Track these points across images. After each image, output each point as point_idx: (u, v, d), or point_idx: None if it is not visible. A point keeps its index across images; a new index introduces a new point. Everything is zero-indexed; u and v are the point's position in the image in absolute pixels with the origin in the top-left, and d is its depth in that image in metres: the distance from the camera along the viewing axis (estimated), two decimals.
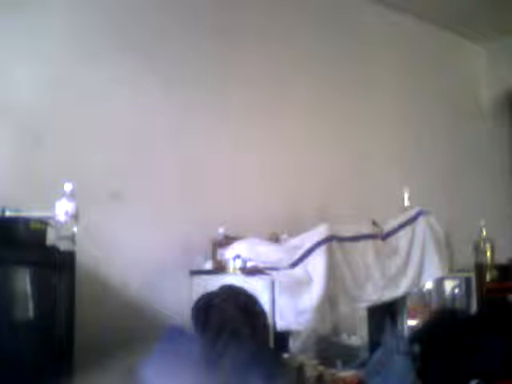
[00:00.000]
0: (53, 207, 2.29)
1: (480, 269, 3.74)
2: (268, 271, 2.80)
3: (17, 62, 2.79)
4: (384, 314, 3.08)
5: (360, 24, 4.35)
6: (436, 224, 3.33)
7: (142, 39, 3.23)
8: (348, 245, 3.02)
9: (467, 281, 3.44)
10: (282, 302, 2.70)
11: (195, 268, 3.07)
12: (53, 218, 2.28)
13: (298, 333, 2.73)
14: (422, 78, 4.67)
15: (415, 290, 3.22)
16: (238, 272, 2.81)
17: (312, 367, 2.49)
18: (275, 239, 3.26)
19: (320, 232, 2.98)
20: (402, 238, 3.26)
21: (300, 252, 2.94)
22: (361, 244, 3.08)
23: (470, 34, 5.04)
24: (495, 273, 3.82)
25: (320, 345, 2.79)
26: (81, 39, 2.99)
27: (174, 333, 2.41)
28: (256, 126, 3.63)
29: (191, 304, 2.43)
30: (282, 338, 2.65)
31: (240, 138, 3.54)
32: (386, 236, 3.23)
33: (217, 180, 3.38)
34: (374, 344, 2.86)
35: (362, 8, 4.35)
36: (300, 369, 2.43)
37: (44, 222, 2.25)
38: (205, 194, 3.30)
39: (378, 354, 2.69)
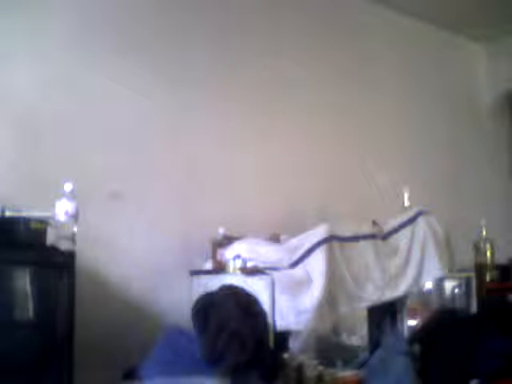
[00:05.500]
0: (53, 207, 2.30)
1: (480, 269, 3.74)
2: (268, 271, 2.80)
3: (17, 62, 2.79)
4: (384, 314, 3.08)
5: (360, 24, 4.35)
6: (436, 224, 3.32)
7: (142, 39, 3.23)
8: (348, 245, 3.02)
9: (467, 281, 3.43)
10: (282, 301, 2.70)
11: (195, 268, 3.07)
12: (53, 217, 2.28)
13: (298, 333, 2.72)
14: (422, 78, 4.67)
15: (415, 290, 3.22)
16: (238, 272, 2.81)
17: (312, 367, 2.49)
18: (275, 239, 3.25)
19: (320, 232, 2.98)
20: (402, 238, 3.26)
21: (300, 252, 2.94)
22: (361, 244, 3.08)
23: (470, 34, 5.03)
24: (495, 273, 3.82)
25: (320, 345, 2.79)
26: (81, 39, 2.99)
27: (173, 333, 2.41)
28: (256, 126, 3.63)
29: (191, 304, 2.43)
30: (282, 337, 2.64)
31: (240, 138, 3.54)
32: (385, 236, 3.23)
33: (217, 180, 3.38)
34: (374, 344, 2.86)
35: (362, 8, 4.35)
36: (300, 369, 2.43)
37: (44, 222, 2.26)
38: (205, 193, 3.30)
39: (378, 354, 2.69)
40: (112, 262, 2.87)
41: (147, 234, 3.05)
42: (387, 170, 4.17)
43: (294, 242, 3.09)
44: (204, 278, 2.95)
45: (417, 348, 2.68)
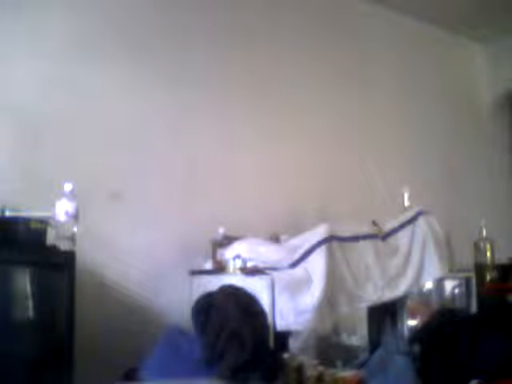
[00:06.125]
0: (53, 207, 2.29)
1: (480, 269, 3.74)
2: (268, 271, 2.80)
3: (17, 61, 2.79)
4: (384, 314, 3.08)
5: (360, 24, 4.35)
6: (436, 224, 3.32)
7: (142, 39, 3.23)
8: (348, 245, 3.01)
9: (467, 281, 3.43)
10: (282, 302, 2.69)
11: (195, 268, 3.07)
12: (53, 217, 2.28)
13: (298, 333, 2.72)
14: (421, 78, 4.67)
15: (415, 289, 3.22)
16: (238, 272, 2.80)
17: (312, 367, 2.48)
18: (275, 239, 3.25)
19: (320, 232, 2.97)
20: (402, 238, 3.25)
21: (300, 252, 2.94)
22: (361, 244, 3.08)
23: (470, 34, 5.04)
24: (495, 273, 3.82)
25: (320, 345, 2.79)
26: (81, 39, 3.00)
27: (173, 333, 2.41)
28: (256, 126, 3.64)
29: (191, 304, 2.43)
30: (282, 337, 2.64)
31: (240, 138, 3.54)
32: (386, 236, 3.23)
33: (217, 180, 3.38)
34: (374, 344, 2.86)
35: (361, 8, 4.35)
36: (300, 369, 2.42)
37: (44, 222, 2.26)
38: (205, 193, 3.30)
39: (378, 353, 2.69)
40: (112, 262, 2.87)
41: (147, 234, 3.05)
42: (387, 169, 4.17)
43: (294, 242, 3.08)
44: (204, 278, 2.95)
45: (417, 348, 2.68)
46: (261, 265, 2.86)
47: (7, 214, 2.26)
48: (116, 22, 3.16)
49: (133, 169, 3.08)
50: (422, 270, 3.22)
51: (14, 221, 2.22)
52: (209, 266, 3.05)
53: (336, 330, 2.93)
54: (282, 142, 3.73)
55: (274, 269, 2.85)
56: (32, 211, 2.27)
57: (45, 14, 2.90)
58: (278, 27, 3.88)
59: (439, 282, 3.36)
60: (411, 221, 3.30)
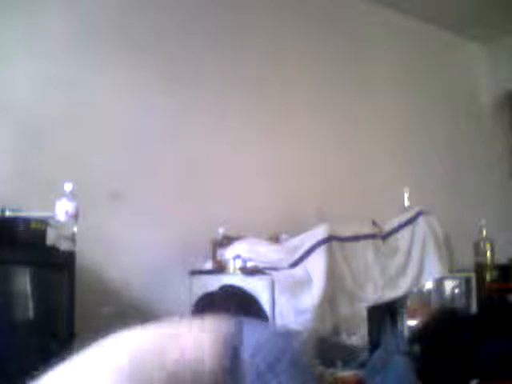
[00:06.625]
0: (53, 207, 2.30)
1: (480, 269, 3.74)
2: (268, 271, 2.80)
3: (17, 61, 2.79)
4: (384, 314, 3.08)
5: (360, 24, 4.35)
6: (436, 224, 3.32)
7: (142, 39, 3.23)
8: (348, 245, 3.02)
9: (467, 281, 3.43)
10: (282, 301, 2.70)
11: (195, 268, 3.07)
12: (53, 217, 2.28)
13: (298, 333, 2.72)
14: (421, 78, 4.67)
15: (415, 290, 3.22)
16: (238, 272, 2.80)
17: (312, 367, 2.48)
18: (275, 239, 3.25)
19: (320, 232, 2.98)
20: (402, 237, 3.26)
21: (300, 252, 2.94)
22: (361, 244, 3.08)
23: (470, 34, 5.03)
24: (495, 273, 3.82)
25: (320, 345, 2.79)
26: (81, 39, 3.00)
27: None
28: (256, 126, 3.64)
29: (191, 304, 2.43)
30: None
31: (240, 138, 3.54)
32: (386, 236, 3.23)
33: (217, 180, 3.38)
34: (374, 344, 2.86)
35: (361, 8, 4.35)
36: None
37: (44, 222, 2.26)
38: (205, 193, 3.30)
39: (378, 353, 2.69)
40: (112, 262, 2.87)
41: (147, 233, 3.05)
42: (387, 169, 4.17)
43: (294, 241, 3.09)
44: (204, 278, 2.95)
45: (417, 348, 2.68)
46: (261, 265, 2.86)
47: (7, 213, 2.26)
48: (116, 21, 3.16)
49: (133, 169, 3.08)
50: (422, 270, 3.22)
51: (14, 221, 2.22)
52: (209, 266, 3.05)
53: (336, 330, 2.93)
54: (282, 142, 3.73)
55: (274, 269, 2.85)
56: (32, 211, 2.27)
57: (45, 14, 2.90)
58: (278, 27, 3.88)
59: (439, 282, 3.36)
60: (411, 221, 3.30)
